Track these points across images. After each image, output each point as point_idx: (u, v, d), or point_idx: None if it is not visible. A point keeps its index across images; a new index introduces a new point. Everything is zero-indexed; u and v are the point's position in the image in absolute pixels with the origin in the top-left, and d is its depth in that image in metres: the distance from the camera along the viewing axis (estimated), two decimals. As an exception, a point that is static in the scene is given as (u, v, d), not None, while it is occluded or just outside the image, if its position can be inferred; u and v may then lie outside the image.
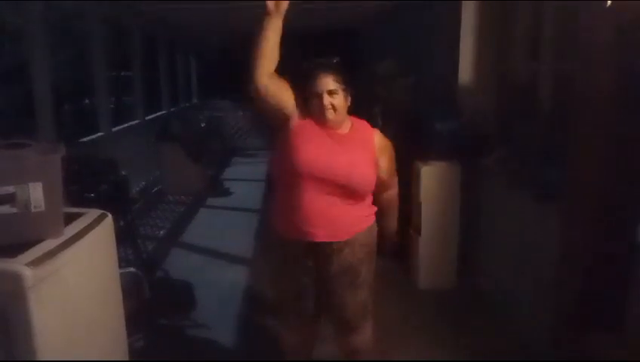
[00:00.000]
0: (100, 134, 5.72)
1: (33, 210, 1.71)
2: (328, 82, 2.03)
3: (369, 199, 2.17)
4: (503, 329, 3.14)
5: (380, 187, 2.16)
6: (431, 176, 3.63)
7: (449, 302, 3.59)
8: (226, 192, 6.96)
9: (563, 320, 2.40)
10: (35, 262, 1.60)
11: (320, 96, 2.03)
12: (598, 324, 2.18)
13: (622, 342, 2.06)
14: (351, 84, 2.10)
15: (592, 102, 2.28)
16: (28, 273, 1.55)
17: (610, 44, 2.19)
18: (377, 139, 2.16)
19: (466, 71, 3.93)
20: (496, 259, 3.45)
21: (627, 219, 2.20)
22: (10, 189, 1.67)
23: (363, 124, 2.19)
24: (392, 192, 2.34)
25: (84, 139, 5.34)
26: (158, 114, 8.31)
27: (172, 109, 8.93)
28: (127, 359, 2.29)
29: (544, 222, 2.73)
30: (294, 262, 2.15)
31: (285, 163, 2.03)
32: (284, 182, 2.09)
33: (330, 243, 2.07)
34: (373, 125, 2.24)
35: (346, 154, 2.04)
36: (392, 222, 2.42)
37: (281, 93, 2.03)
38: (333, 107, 2.03)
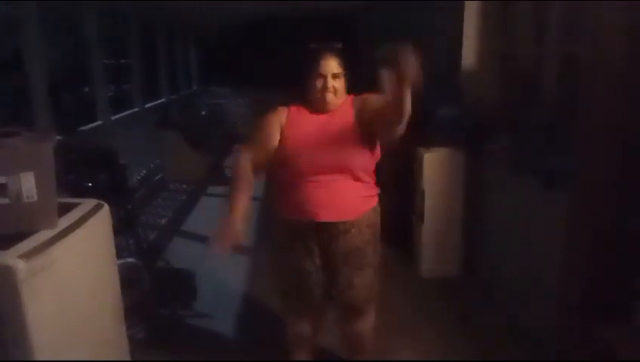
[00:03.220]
0: (99, 123, 5.68)
1: (25, 200, 1.66)
2: (334, 65, 2.05)
3: (372, 179, 2.15)
4: (508, 318, 3.11)
5: (385, 121, 1.96)
6: (434, 162, 3.58)
7: (452, 290, 3.56)
8: (228, 180, 6.91)
9: (570, 310, 2.36)
10: (28, 255, 1.56)
11: (324, 78, 2.04)
12: (608, 314, 2.14)
13: (633, 332, 2.02)
14: (351, 69, 2.11)
15: (599, 86, 2.22)
16: (21, 266, 1.51)
17: (618, 27, 2.12)
18: (354, 102, 2.13)
19: (469, 56, 3.86)
20: (500, 246, 3.40)
21: (637, 205, 2.14)
22: (1, 180, 1.63)
23: (347, 99, 2.15)
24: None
25: (83, 128, 5.29)
26: (158, 102, 8.25)
27: (172, 97, 8.87)
28: (126, 351, 2.26)
29: (549, 210, 2.68)
30: (300, 245, 2.13)
31: (281, 157, 2.06)
32: (284, 171, 2.09)
33: (336, 224, 2.06)
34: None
35: (336, 134, 2.04)
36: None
37: (268, 151, 2.09)
38: (335, 90, 2.06)
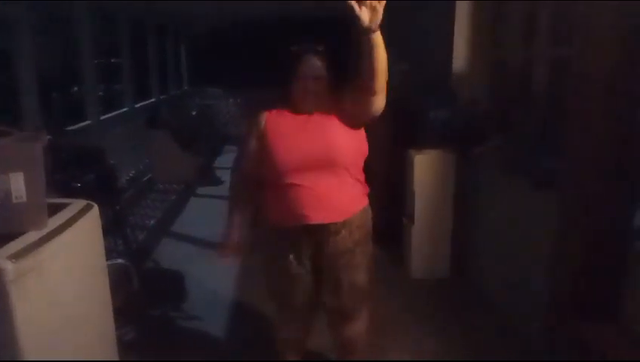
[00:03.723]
0: (88, 122, 5.63)
1: (14, 200, 1.65)
2: (317, 67, 2.03)
3: (361, 177, 2.14)
4: (497, 318, 3.12)
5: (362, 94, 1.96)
6: (424, 164, 3.59)
7: (442, 291, 3.57)
8: (218, 181, 6.89)
9: (559, 310, 2.37)
10: (17, 255, 1.54)
11: (307, 80, 2.02)
12: (597, 313, 2.16)
13: (621, 331, 2.03)
14: (337, 71, 2.09)
15: (589, 88, 2.24)
16: (9, 267, 1.49)
17: (609, 28, 2.14)
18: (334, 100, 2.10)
19: (460, 57, 3.87)
20: (490, 247, 3.42)
21: (626, 205, 2.16)
22: (-10, 180, 1.61)
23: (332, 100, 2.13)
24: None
25: (72, 128, 5.25)
26: (148, 102, 8.20)
27: (162, 97, 8.82)
28: (115, 352, 2.24)
29: (539, 210, 2.69)
30: (290, 247, 2.12)
31: (267, 161, 2.05)
32: (271, 176, 2.07)
33: (327, 226, 2.05)
34: None
35: (321, 132, 2.02)
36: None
37: (257, 158, 2.11)
38: (317, 93, 2.03)
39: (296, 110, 2.08)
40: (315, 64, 2.03)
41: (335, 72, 2.09)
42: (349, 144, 2.05)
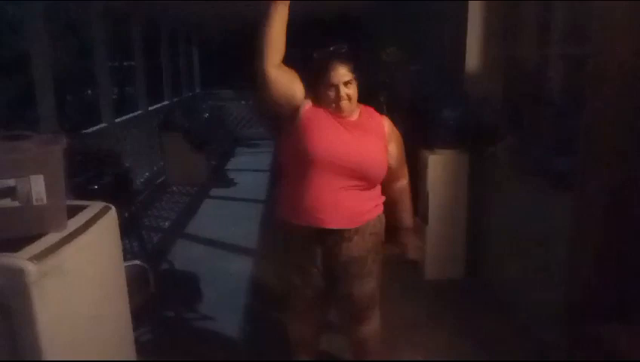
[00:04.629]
0: (102, 125, 5.69)
1: (35, 203, 1.67)
2: (344, 73, 2.02)
3: (378, 187, 2.15)
4: (512, 320, 3.11)
5: (389, 176, 2.14)
6: (438, 164, 3.59)
7: (456, 291, 3.56)
8: (231, 182, 6.94)
9: (575, 311, 2.36)
10: (38, 257, 1.56)
11: (336, 87, 2.02)
12: (613, 314, 2.14)
13: (635, 333, 2.02)
14: (359, 71, 2.09)
15: (604, 86, 2.23)
16: (31, 268, 1.51)
17: (624, 26, 2.13)
18: (387, 126, 2.17)
19: (473, 57, 3.85)
20: (504, 248, 3.40)
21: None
22: (11, 182, 1.63)
23: (371, 111, 2.18)
24: (402, 183, 2.30)
25: (87, 131, 5.30)
26: (161, 104, 8.26)
27: (175, 99, 8.87)
28: (133, 353, 2.27)
29: (554, 210, 2.68)
30: (303, 250, 2.13)
31: (297, 150, 2.01)
32: (294, 169, 2.07)
33: (341, 231, 2.05)
34: (379, 113, 2.22)
35: (358, 140, 2.03)
36: (407, 215, 2.38)
37: (290, 83, 1.99)
38: (349, 97, 2.03)
39: (331, 113, 2.06)
40: (342, 69, 2.02)
41: (359, 71, 2.08)
42: (380, 159, 2.07)
